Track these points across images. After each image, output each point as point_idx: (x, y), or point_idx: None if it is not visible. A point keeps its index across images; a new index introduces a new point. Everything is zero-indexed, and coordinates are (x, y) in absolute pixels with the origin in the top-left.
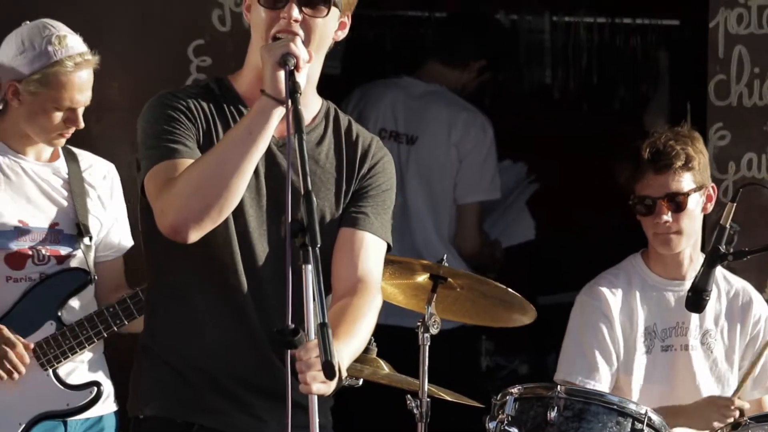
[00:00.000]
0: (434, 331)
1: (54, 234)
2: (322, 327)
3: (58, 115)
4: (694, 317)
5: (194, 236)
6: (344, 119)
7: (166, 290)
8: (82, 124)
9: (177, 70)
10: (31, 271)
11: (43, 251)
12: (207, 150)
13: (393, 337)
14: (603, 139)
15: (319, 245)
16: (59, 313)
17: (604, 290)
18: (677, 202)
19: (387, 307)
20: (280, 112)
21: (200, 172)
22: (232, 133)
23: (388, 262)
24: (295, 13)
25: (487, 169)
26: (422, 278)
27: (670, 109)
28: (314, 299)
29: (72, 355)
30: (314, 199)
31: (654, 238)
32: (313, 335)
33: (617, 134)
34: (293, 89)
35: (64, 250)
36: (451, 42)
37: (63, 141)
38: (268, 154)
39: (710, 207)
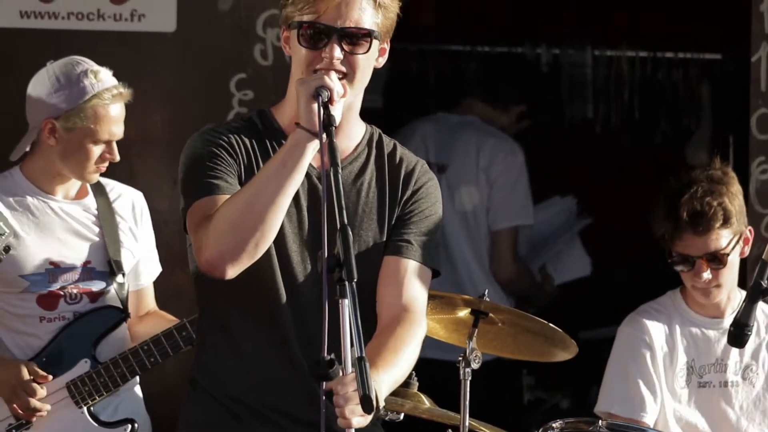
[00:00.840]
0: (475, 365)
1: (86, 272)
2: (360, 361)
3: (96, 150)
4: (734, 353)
5: (231, 272)
6: (389, 143)
7: (213, 324)
8: (117, 157)
9: (219, 104)
10: (64, 310)
11: (75, 290)
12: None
13: (434, 371)
14: (644, 173)
15: (355, 279)
16: (94, 352)
17: (647, 322)
18: (717, 260)
19: (427, 341)
20: (314, 145)
21: (235, 206)
22: (267, 166)
23: (429, 297)
24: (337, 52)
25: (519, 194)
26: (463, 313)
27: (713, 143)
28: (351, 333)
29: (107, 392)
30: (350, 233)
31: (693, 290)
32: (350, 369)
33: (659, 168)
34: (327, 122)
35: (96, 287)
36: (493, 81)
37: (97, 176)
38: (310, 187)
39: (747, 250)
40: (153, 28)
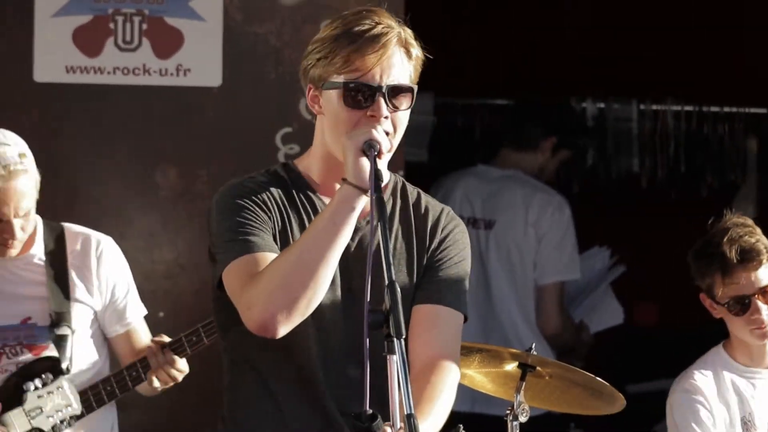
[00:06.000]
0: (523, 419)
1: (27, 328)
2: (409, 418)
3: None
4: None
5: (283, 331)
6: (413, 192)
7: (243, 378)
8: (14, 237)
9: (265, 158)
10: (6, 364)
11: (17, 346)
12: (281, 238)
13: (481, 425)
14: (691, 227)
15: (404, 336)
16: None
17: (697, 383)
18: None
19: (474, 395)
20: (363, 200)
21: (285, 265)
22: (316, 223)
23: (476, 351)
24: (384, 110)
25: (566, 249)
26: (511, 367)
27: (759, 197)
28: (400, 389)
29: None
30: (398, 289)
31: (750, 333)
32: (398, 423)
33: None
34: (377, 177)
35: (39, 341)
36: (516, 126)
37: (8, 251)
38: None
39: None
40: (199, 83)
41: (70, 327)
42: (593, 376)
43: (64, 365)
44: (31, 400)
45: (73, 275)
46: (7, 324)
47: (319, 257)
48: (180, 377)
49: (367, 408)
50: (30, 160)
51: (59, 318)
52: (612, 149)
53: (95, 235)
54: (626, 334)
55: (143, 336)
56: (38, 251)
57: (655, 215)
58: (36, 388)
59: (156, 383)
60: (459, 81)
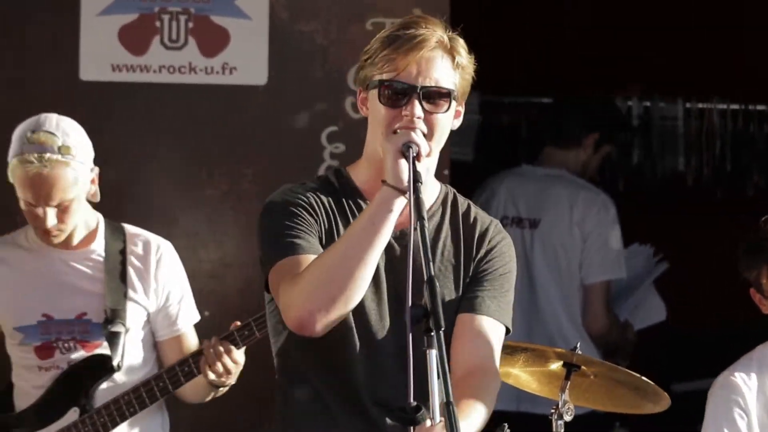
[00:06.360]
0: (568, 418)
1: (82, 324)
2: (448, 405)
3: (27, 209)
4: None
5: (321, 330)
6: (463, 203)
7: (294, 379)
8: (46, 224)
9: (310, 157)
10: (59, 360)
11: (70, 342)
12: (328, 244)
13: (526, 424)
14: (737, 226)
15: (443, 329)
16: (85, 400)
17: (739, 382)
18: None
19: (519, 394)
20: (401, 201)
21: (324, 265)
22: (355, 224)
23: (521, 350)
24: (418, 110)
25: (612, 248)
26: (556, 366)
27: None
28: (439, 378)
29: None
30: (437, 284)
31: None
32: (438, 417)
33: (752, 221)
34: (415, 178)
35: (92, 338)
36: (558, 124)
37: (54, 239)
38: (387, 247)
39: None
40: (244, 81)
41: (124, 325)
42: (638, 375)
43: (115, 362)
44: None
45: (131, 275)
46: (62, 318)
47: (357, 257)
48: (235, 369)
49: (412, 400)
50: (74, 155)
51: (114, 315)
52: (657, 147)
53: (156, 239)
54: (671, 333)
55: (191, 342)
56: (98, 247)
57: (700, 214)
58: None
59: (211, 376)
60: (504, 79)
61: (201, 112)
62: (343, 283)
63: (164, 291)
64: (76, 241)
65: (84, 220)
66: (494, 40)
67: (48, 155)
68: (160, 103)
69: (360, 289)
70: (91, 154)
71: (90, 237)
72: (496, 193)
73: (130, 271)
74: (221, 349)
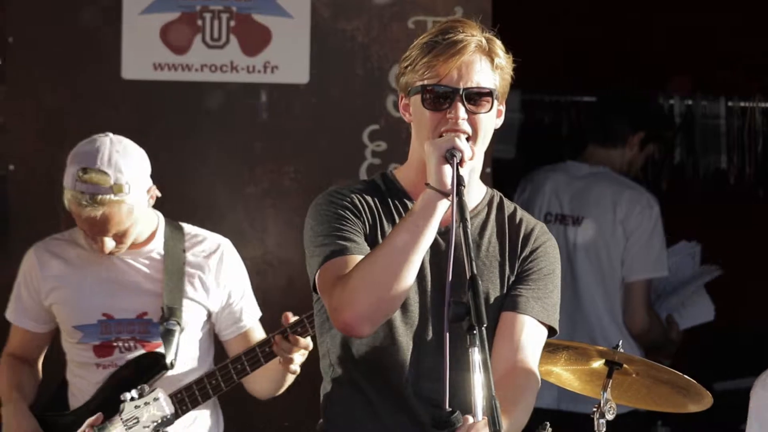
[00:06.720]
0: (610, 416)
1: (142, 324)
2: (492, 400)
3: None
4: None
5: (368, 330)
6: (509, 206)
7: (339, 378)
8: (104, 249)
9: (352, 155)
10: (118, 358)
11: (130, 341)
12: (374, 243)
13: (567, 423)
14: None
15: (485, 325)
16: None
17: None
18: None
19: (560, 393)
20: (444, 204)
21: (370, 266)
22: (400, 226)
23: (563, 348)
24: (462, 112)
25: (654, 246)
26: (597, 364)
27: None
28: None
29: None
30: (479, 282)
31: None
32: (480, 414)
33: None
34: (458, 182)
35: (152, 338)
36: (602, 123)
37: (105, 250)
38: (433, 244)
39: None
40: (286, 80)
41: (179, 323)
42: (680, 373)
43: (168, 360)
44: (128, 410)
45: (190, 274)
46: (123, 318)
47: (401, 258)
48: (300, 359)
49: (447, 406)
50: (128, 192)
51: (170, 313)
52: (699, 146)
53: (216, 238)
54: (714, 332)
55: (259, 338)
56: (157, 246)
57: (742, 213)
58: (132, 399)
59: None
60: (546, 77)
61: (242, 111)
62: (388, 284)
63: (226, 290)
64: (139, 238)
65: (144, 223)
66: (535, 38)
67: (100, 197)
68: (201, 101)
69: (405, 289)
70: (146, 174)
71: (150, 236)
72: (540, 189)
73: (189, 271)
74: (290, 342)
